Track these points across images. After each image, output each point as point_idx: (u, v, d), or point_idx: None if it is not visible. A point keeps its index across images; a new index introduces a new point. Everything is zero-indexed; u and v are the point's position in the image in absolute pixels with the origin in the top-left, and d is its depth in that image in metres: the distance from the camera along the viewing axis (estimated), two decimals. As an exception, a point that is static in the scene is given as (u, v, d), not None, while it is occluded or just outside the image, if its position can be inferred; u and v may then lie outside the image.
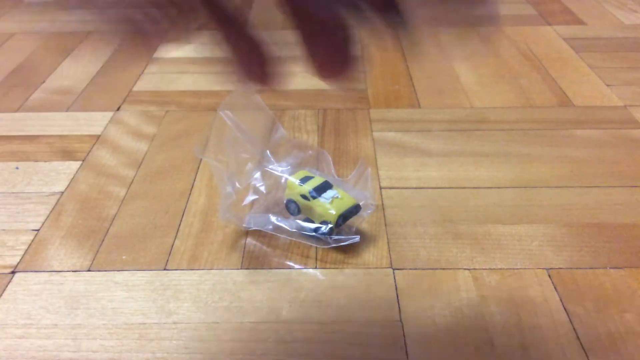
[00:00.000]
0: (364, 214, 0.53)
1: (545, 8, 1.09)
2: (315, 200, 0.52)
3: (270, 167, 0.54)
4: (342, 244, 0.52)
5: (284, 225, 0.53)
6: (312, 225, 0.52)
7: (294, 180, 0.53)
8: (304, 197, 0.52)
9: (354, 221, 0.53)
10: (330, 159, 0.57)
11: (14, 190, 0.61)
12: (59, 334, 0.45)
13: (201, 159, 0.64)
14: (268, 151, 0.54)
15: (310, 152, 0.58)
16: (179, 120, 0.74)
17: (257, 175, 0.54)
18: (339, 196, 0.52)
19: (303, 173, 0.54)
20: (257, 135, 0.53)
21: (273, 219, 0.53)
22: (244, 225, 0.54)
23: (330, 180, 0.54)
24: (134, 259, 0.52)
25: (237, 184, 0.52)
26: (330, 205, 0.51)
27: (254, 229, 0.54)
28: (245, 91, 0.52)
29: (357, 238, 0.53)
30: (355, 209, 0.53)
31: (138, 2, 0.25)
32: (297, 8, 0.23)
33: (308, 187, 0.52)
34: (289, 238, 0.53)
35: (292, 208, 0.53)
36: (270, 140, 0.55)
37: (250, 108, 0.52)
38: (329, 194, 0.52)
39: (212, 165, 0.52)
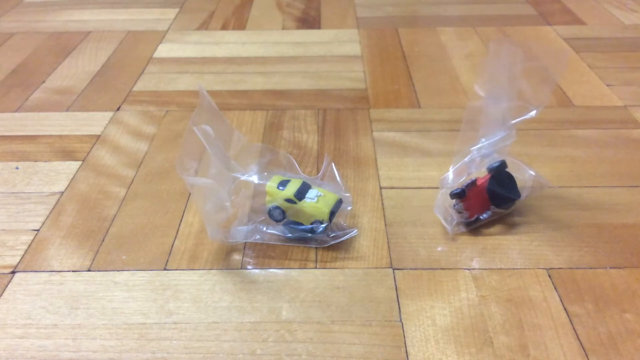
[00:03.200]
0: (347, 208, 0.54)
1: (545, 8, 1.09)
2: (302, 201, 0.51)
3: (243, 177, 0.53)
4: (341, 239, 0.52)
5: (276, 232, 0.53)
6: (307, 227, 0.52)
7: (273, 185, 0.52)
8: (289, 201, 0.51)
9: (340, 217, 0.53)
10: (292, 159, 0.57)
11: (14, 190, 0.61)
12: (59, 334, 0.45)
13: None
14: (233, 161, 0.53)
15: (272, 155, 0.58)
16: (179, 120, 0.74)
17: (232, 187, 0.53)
18: (322, 194, 0.52)
19: (278, 178, 0.53)
20: (224, 147, 0.52)
21: (261, 228, 0.53)
22: (230, 240, 0.53)
23: (304, 180, 0.54)
24: (134, 259, 0.52)
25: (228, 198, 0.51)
26: (318, 204, 0.51)
27: (241, 242, 0.53)
28: (208, 103, 0.52)
29: (354, 231, 0.53)
30: (339, 204, 0.53)
31: None
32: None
33: (291, 190, 0.52)
34: (283, 244, 0.53)
35: (277, 214, 0.52)
36: (233, 150, 0.55)
37: (214, 120, 0.52)
38: (312, 193, 0.52)
39: (196, 184, 0.50)
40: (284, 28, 1.02)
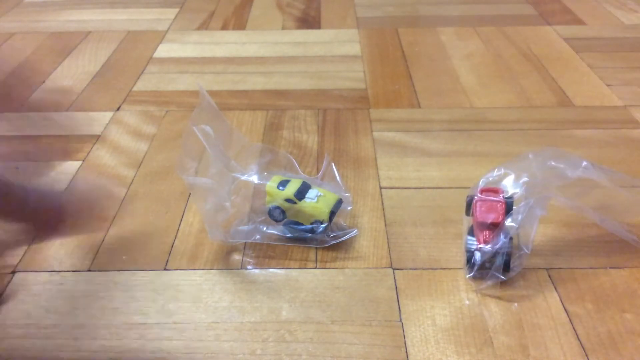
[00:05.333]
0: (347, 208, 0.54)
1: (545, 8, 1.09)
2: (302, 201, 0.51)
3: (243, 177, 0.53)
4: (341, 239, 0.52)
5: (276, 232, 0.53)
6: (307, 227, 0.52)
7: (273, 185, 0.52)
8: (289, 201, 0.51)
9: (340, 217, 0.53)
10: (292, 159, 0.57)
11: (14, 190, 0.61)
12: (59, 334, 0.45)
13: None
14: (233, 161, 0.53)
15: (272, 155, 0.58)
16: (179, 120, 0.74)
17: (232, 187, 0.53)
18: (322, 194, 0.52)
19: (278, 178, 0.53)
20: (223, 147, 0.52)
21: (261, 228, 0.53)
22: (230, 240, 0.53)
23: (304, 180, 0.54)
24: (134, 259, 0.52)
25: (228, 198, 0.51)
26: (318, 204, 0.51)
27: (241, 242, 0.53)
28: (208, 103, 0.51)
29: (354, 231, 0.53)
30: (339, 204, 0.53)
31: None
32: None
33: (291, 190, 0.52)
34: (283, 244, 0.53)
35: (277, 214, 0.52)
36: (233, 150, 0.54)
37: (214, 120, 0.52)
38: (312, 193, 0.52)
39: (196, 184, 0.50)
40: (284, 28, 1.02)
